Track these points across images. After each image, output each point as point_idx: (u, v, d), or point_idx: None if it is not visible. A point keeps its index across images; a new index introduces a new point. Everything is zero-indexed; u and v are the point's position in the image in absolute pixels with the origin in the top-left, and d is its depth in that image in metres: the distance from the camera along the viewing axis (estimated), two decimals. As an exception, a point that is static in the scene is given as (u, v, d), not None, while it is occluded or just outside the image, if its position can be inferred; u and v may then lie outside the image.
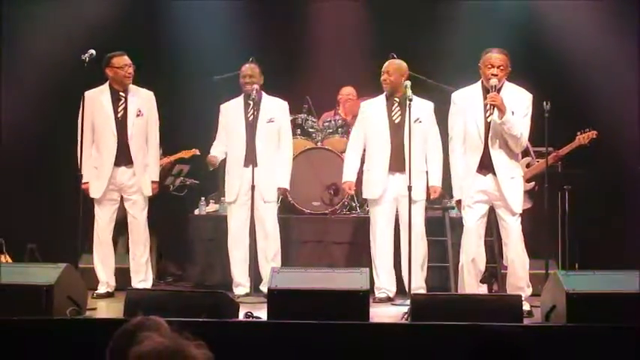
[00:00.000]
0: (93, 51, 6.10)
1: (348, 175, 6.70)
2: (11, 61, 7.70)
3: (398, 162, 6.39)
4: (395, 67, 6.56)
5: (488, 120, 5.78)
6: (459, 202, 5.99)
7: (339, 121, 7.98)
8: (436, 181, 6.52)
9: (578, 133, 7.10)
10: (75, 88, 6.41)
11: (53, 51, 7.79)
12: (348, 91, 8.45)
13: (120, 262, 6.76)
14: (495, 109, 5.70)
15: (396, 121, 6.49)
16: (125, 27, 7.99)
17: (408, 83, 6.38)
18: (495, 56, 5.76)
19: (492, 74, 5.72)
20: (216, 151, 6.80)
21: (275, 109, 6.77)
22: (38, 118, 7.85)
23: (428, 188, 6.54)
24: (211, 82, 7.77)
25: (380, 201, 6.51)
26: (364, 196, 6.77)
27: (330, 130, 7.92)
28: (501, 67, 5.74)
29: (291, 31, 8.78)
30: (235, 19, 8.56)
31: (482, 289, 6.39)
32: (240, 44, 8.12)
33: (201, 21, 8.50)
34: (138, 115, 6.55)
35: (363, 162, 6.75)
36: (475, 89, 5.92)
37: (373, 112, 6.62)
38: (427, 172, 6.53)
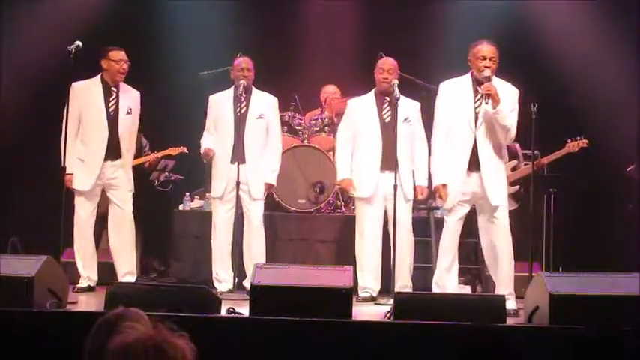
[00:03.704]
0: (79, 43, 6.05)
1: (343, 173, 6.61)
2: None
3: (389, 161, 6.36)
4: (394, 65, 6.55)
5: (477, 110, 5.79)
6: (444, 185, 5.90)
7: (326, 120, 7.97)
8: (423, 181, 6.49)
9: (569, 140, 7.08)
10: (58, 81, 6.36)
11: (38, 45, 7.74)
12: (332, 90, 8.42)
13: (103, 257, 6.71)
14: (490, 98, 5.69)
15: (387, 120, 6.47)
16: (113, 23, 7.95)
17: (396, 82, 6.39)
18: (487, 48, 5.78)
19: (485, 66, 5.73)
20: (210, 144, 6.69)
21: (264, 105, 6.73)
22: (21, 110, 7.79)
23: (414, 188, 6.52)
24: (199, 78, 7.75)
25: (370, 200, 6.48)
26: (354, 195, 6.69)
27: (317, 129, 7.91)
28: (493, 59, 5.76)
29: (278, 30, 8.76)
30: (222, 17, 8.55)
31: (466, 291, 6.41)
32: (228, 41, 8.11)
33: (188, 18, 8.49)
34: (128, 113, 6.54)
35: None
36: (464, 80, 5.92)
37: (363, 111, 6.58)
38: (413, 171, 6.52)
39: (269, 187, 6.78)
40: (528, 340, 4.52)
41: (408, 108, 6.50)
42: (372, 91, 6.62)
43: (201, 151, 6.75)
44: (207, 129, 6.78)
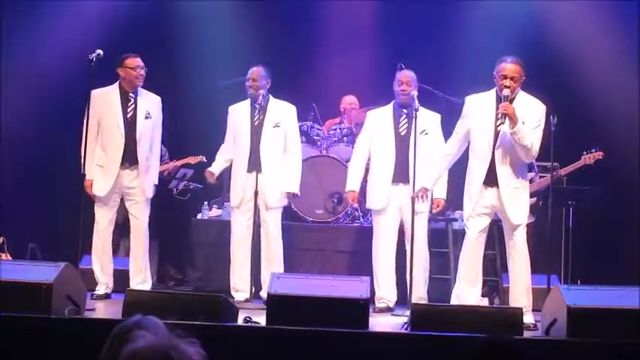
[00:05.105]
0: (100, 51, 6.09)
1: (351, 185, 6.68)
2: (15, 61, 7.71)
3: (402, 173, 6.38)
4: (412, 77, 6.56)
5: (499, 129, 5.74)
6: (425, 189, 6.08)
7: (345, 130, 7.98)
8: (440, 194, 6.48)
9: (584, 152, 7.04)
10: (79, 87, 6.41)
11: (58, 51, 7.80)
12: (350, 100, 8.44)
13: (121, 265, 6.73)
14: (507, 118, 5.62)
15: (402, 133, 6.49)
16: (131, 31, 7.99)
17: (415, 93, 6.39)
18: (509, 67, 5.67)
19: (505, 85, 5.64)
20: (218, 163, 6.81)
21: (281, 113, 6.75)
22: (41, 117, 7.85)
23: (432, 201, 6.51)
24: (217, 86, 7.77)
25: (383, 212, 6.50)
26: (367, 207, 6.78)
27: (336, 139, 7.92)
28: (514, 78, 5.65)
29: (296, 39, 8.78)
30: (241, 25, 8.58)
31: (484, 303, 6.38)
32: (246, 50, 8.14)
33: (206, 26, 8.52)
34: (147, 118, 6.56)
35: (366, 172, 6.74)
36: (488, 97, 5.84)
37: (380, 123, 6.61)
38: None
39: (293, 195, 6.78)
40: (546, 353, 4.49)
41: (427, 120, 6.50)
42: (392, 103, 6.63)
43: (205, 174, 6.89)
44: (226, 140, 6.83)
